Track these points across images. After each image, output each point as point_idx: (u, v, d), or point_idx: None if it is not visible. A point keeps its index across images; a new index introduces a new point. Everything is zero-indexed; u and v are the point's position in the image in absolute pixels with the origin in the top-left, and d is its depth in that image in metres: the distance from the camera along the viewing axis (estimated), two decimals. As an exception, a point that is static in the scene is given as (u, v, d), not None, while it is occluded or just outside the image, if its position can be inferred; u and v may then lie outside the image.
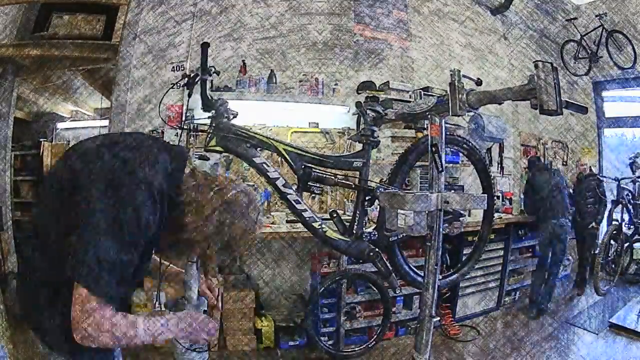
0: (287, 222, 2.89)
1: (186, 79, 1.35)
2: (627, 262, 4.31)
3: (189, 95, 1.36)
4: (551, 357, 2.70)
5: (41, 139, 5.64)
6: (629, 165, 4.33)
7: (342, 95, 3.51)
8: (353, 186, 1.51)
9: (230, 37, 3.32)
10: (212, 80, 1.40)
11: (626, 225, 4.08)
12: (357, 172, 1.51)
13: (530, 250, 3.98)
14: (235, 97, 3.11)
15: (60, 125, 6.00)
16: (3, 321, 2.37)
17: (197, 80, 1.33)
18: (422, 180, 3.47)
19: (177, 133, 3.06)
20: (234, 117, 1.39)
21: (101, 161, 0.85)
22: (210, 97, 1.35)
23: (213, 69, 1.37)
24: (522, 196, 4.10)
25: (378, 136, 1.50)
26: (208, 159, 1.33)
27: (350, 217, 1.55)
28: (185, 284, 1.02)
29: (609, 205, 4.05)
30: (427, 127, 1.34)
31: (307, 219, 1.38)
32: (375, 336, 2.84)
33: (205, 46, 1.36)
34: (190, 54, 3.20)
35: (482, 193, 1.71)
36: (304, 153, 1.40)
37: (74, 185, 0.84)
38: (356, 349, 2.81)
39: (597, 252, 3.78)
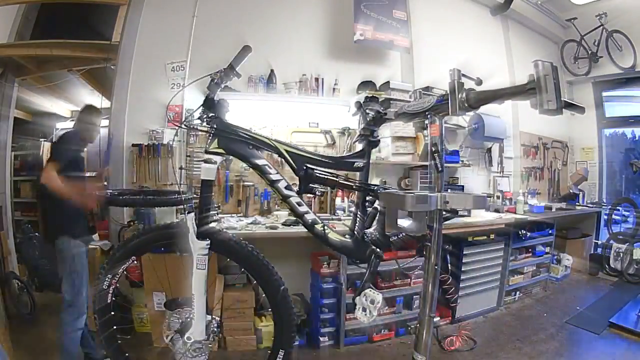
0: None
1: (211, 78, 1.32)
2: (627, 262, 4.31)
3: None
4: (551, 357, 2.69)
5: (41, 139, 5.65)
6: (629, 166, 4.34)
7: (342, 95, 3.51)
8: (354, 187, 1.51)
9: (230, 37, 3.31)
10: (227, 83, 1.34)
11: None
12: (358, 173, 1.51)
13: (530, 250, 3.98)
14: (235, 97, 3.11)
15: (60, 125, 5.99)
16: (3, 321, 2.38)
17: (221, 80, 1.30)
18: (422, 180, 3.48)
19: (176, 132, 3.07)
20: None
21: None
22: (213, 98, 1.34)
23: (236, 73, 1.32)
24: (522, 197, 4.10)
25: (378, 136, 1.50)
26: (215, 162, 1.30)
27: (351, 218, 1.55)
28: None
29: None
30: (427, 127, 1.34)
31: (309, 220, 1.38)
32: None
33: (247, 49, 1.30)
34: (190, 54, 3.20)
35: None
36: (305, 154, 1.40)
37: None
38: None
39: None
